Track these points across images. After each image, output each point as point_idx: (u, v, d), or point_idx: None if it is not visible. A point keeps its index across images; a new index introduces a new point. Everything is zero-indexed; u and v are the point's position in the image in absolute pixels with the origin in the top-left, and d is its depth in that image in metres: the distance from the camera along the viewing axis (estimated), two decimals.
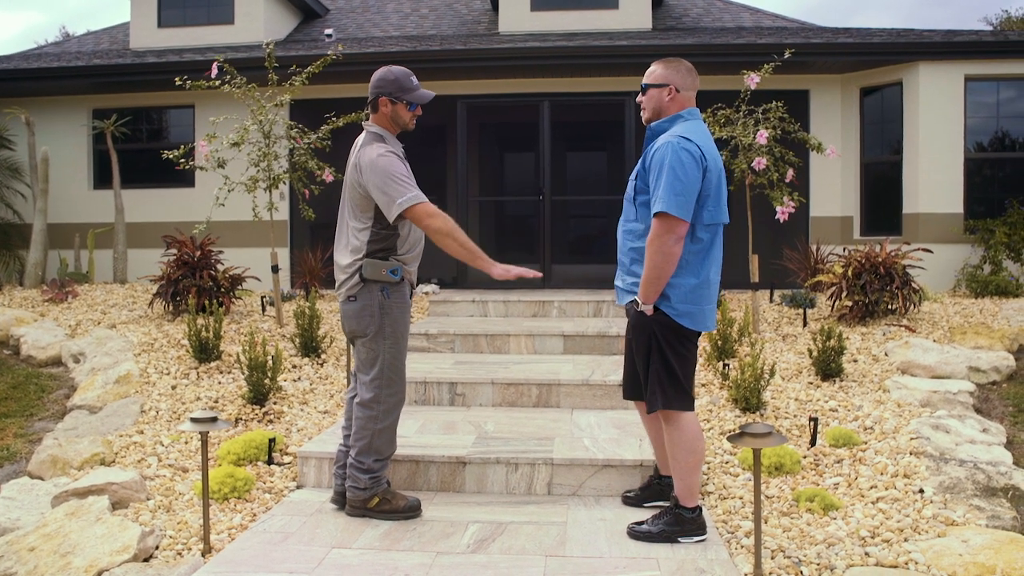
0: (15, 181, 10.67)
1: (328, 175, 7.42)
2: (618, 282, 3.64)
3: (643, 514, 3.74)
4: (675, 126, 3.43)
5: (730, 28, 11.42)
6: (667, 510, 3.53)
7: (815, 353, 5.71)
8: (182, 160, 7.23)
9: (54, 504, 3.87)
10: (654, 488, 3.91)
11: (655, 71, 3.49)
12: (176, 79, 7.47)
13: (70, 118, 10.91)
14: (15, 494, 4.07)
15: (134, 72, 10.30)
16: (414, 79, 3.81)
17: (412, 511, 3.79)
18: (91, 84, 10.58)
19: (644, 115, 3.56)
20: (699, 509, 3.50)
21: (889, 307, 7.06)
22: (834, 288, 7.21)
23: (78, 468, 4.40)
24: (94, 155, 10.97)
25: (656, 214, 3.25)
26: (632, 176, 3.56)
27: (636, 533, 3.50)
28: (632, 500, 3.95)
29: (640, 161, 3.49)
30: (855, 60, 9.50)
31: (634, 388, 3.75)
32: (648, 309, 3.36)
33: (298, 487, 4.27)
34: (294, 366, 6.25)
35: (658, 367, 3.40)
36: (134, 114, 10.86)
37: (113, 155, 10.08)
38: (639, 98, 3.57)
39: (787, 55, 7.36)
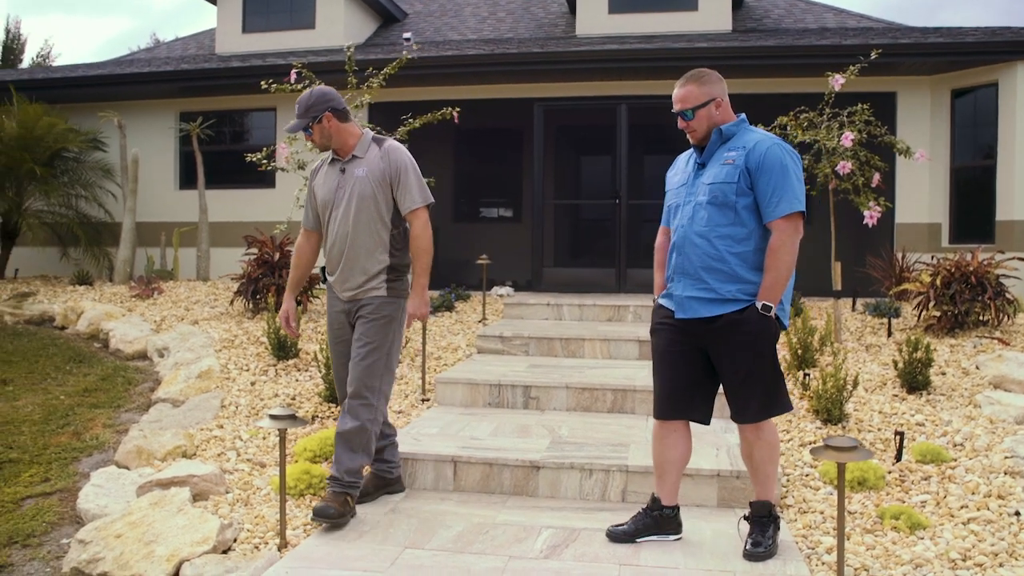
0: (107, 181, 11.11)
1: None
2: (695, 292, 3.32)
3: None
4: (747, 129, 3.40)
5: (813, 29, 11.13)
6: (768, 520, 3.41)
7: (900, 364, 5.50)
8: (264, 162, 7.39)
9: (139, 493, 3.99)
10: (651, 520, 3.52)
11: (693, 91, 3.33)
12: (261, 83, 7.66)
13: (159, 121, 11.32)
14: (103, 482, 4.22)
15: (219, 76, 10.66)
16: None
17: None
18: (179, 88, 10.95)
19: (695, 136, 3.39)
20: None
21: (980, 318, 6.75)
22: (921, 297, 6.94)
23: (161, 459, 4.54)
24: (181, 156, 11.36)
25: (788, 215, 3.20)
26: (726, 179, 3.27)
27: (756, 555, 3.30)
28: (623, 535, 3.51)
29: (742, 162, 3.25)
30: (946, 61, 9.14)
31: (682, 406, 3.44)
32: (773, 313, 3.26)
33: None
34: None
35: (770, 371, 3.31)
36: (219, 117, 11.18)
37: (198, 156, 10.41)
38: (681, 124, 3.39)
39: (874, 56, 7.12)
